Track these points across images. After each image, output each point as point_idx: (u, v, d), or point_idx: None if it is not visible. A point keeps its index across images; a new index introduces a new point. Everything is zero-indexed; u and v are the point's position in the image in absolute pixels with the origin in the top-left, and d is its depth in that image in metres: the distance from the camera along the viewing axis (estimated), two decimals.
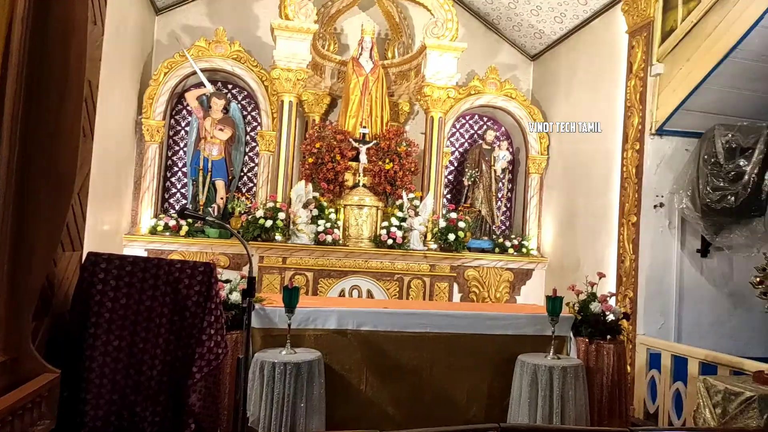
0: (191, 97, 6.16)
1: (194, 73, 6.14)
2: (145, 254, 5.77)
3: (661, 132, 4.95)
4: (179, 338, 2.52)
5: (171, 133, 6.43)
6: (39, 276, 2.12)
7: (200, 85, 6.18)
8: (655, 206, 4.98)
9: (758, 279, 3.12)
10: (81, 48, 2.16)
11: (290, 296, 3.42)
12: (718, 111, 4.73)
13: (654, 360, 4.54)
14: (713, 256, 4.98)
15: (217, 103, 6.15)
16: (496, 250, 6.56)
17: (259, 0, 6.64)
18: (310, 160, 5.99)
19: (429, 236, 6.04)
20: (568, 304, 4.12)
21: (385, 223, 5.90)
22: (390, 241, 5.80)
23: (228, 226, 3.07)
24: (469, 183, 6.69)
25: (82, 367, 2.33)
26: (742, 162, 4.60)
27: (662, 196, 4.99)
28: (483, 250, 6.56)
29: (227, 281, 3.67)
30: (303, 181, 5.84)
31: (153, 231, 5.91)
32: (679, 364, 4.22)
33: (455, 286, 6.27)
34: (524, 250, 6.57)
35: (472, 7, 7.06)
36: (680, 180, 4.92)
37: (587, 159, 5.91)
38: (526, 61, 7.28)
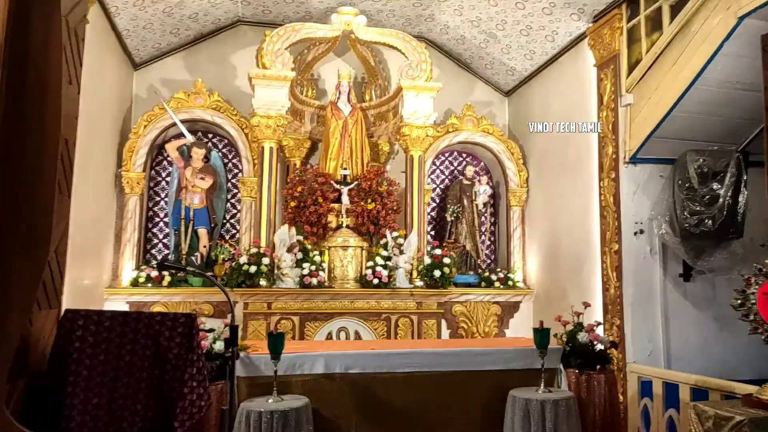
0: (171, 148, 6.21)
1: (174, 124, 6.21)
2: (126, 307, 5.70)
3: (635, 160, 5.05)
4: (160, 392, 2.48)
5: (151, 185, 6.46)
6: (14, 337, 2.09)
7: (180, 135, 6.25)
8: (635, 233, 5.05)
9: (739, 301, 3.16)
10: (56, 108, 2.20)
11: (275, 342, 3.38)
12: (689, 137, 4.86)
13: (645, 388, 4.51)
14: (696, 280, 5.03)
15: (198, 153, 6.20)
16: (483, 284, 6.56)
17: (236, 51, 6.81)
18: (293, 203, 6.02)
19: (415, 274, 6.04)
20: (555, 335, 4.11)
21: (371, 263, 5.89)
22: (376, 281, 5.78)
23: (207, 274, 3.07)
24: (452, 219, 6.74)
25: (60, 428, 2.27)
26: (715, 186, 4.71)
27: (641, 223, 5.05)
28: (469, 285, 6.56)
29: (210, 330, 3.63)
30: (286, 225, 5.84)
31: (135, 283, 5.85)
32: (671, 390, 4.19)
33: (443, 323, 6.22)
34: (510, 282, 6.57)
35: (444, 48, 7.28)
36: (657, 206, 5.00)
37: (566, 190, 6.01)
38: (501, 98, 7.47)
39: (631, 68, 5.06)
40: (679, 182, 4.87)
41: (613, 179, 5.16)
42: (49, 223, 2.24)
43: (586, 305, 4.29)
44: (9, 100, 2.10)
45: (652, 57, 4.79)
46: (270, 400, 3.30)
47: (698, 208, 4.74)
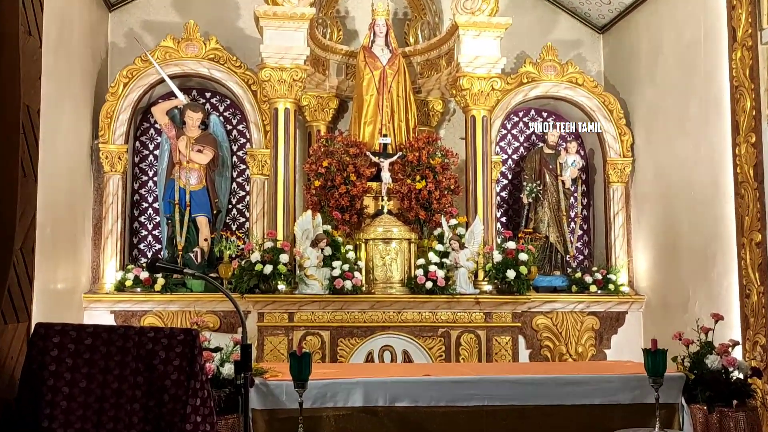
0: (159, 112, 6.33)
1: (162, 81, 6.32)
2: (111, 319, 5.91)
3: None
4: (157, 429, 2.56)
5: (136, 160, 6.62)
6: None
7: (171, 95, 6.36)
8: None
9: None
10: (13, 66, 2.26)
11: (300, 365, 3.44)
12: None
13: None
14: None
15: (193, 118, 6.31)
16: (574, 288, 6.50)
17: None
18: (317, 183, 6.07)
19: (481, 275, 6.02)
20: (675, 358, 4.05)
21: (421, 261, 5.89)
22: (429, 284, 5.78)
23: (210, 278, 3.14)
24: (530, 200, 6.68)
25: None
26: None
27: None
28: (555, 290, 6.50)
29: (217, 350, 3.71)
30: (309, 212, 5.90)
31: (120, 287, 6.03)
32: None
33: (521, 340, 6.21)
34: (611, 286, 6.48)
35: None
36: None
37: (686, 159, 5.87)
38: (594, 35, 7.30)
39: None
40: None
41: (753, 144, 5.00)
42: (12, 214, 2.33)
43: (718, 318, 4.20)
44: None
45: None
46: None
47: None
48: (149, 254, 6.49)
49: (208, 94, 6.77)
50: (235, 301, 2.89)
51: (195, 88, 6.69)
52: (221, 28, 6.66)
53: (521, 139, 7.17)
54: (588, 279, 6.49)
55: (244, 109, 6.52)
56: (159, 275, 5.94)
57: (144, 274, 6.02)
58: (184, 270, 3.09)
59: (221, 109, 6.78)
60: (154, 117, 6.43)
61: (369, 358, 5.72)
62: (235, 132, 6.77)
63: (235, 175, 6.73)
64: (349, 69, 6.77)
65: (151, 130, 6.65)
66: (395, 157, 6.15)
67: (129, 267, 6.15)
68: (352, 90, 6.63)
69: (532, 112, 7.17)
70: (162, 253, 6.31)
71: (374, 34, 6.54)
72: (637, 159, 6.69)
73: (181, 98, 6.34)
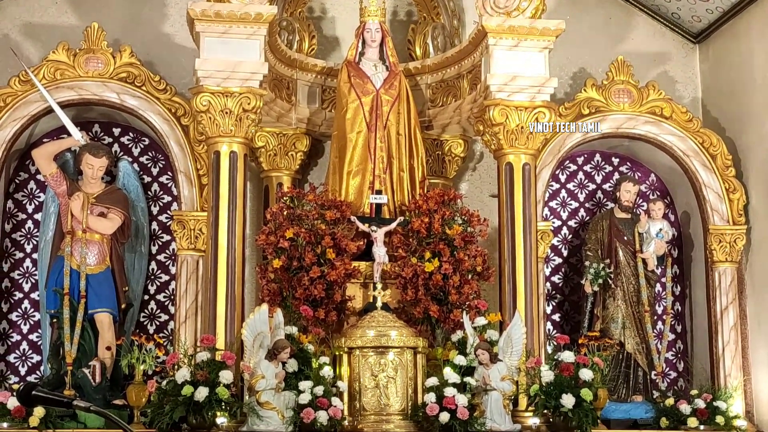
0: (44, 157, 6.38)
1: (49, 110, 6.39)
2: None
3: None
4: None
5: (7, 228, 6.66)
6: None
7: (61, 133, 6.45)
8: None
9: None
10: None
11: None
12: None
13: None
14: None
15: (94, 166, 6.35)
16: (664, 421, 6.46)
17: None
18: (277, 263, 6.08)
19: (523, 402, 6.02)
20: None
21: (433, 380, 5.86)
22: (445, 416, 5.70)
23: (111, 413, 3.07)
24: (596, 289, 6.72)
25: None
26: None
27: None
28: (636, 424, 6.51)
29: None
30: (265, 307, 5.89)
31: None
32: None
33: None
34: (720, 419, 6.42)
35: None
36: None
37: None
38: (686, 46, 7.51)
39: None
40: None
41: None
42: None
43: None
44: None
45: None
46: None
47: None
48: (22, 371, 6.45)
49: (116, 131, 6.87)
50: None
51: (98, 121, 6.80)
52: (139, 34, 6.85)
53: (581, 197, 7.28)
54: (685, 408, 6.43)
55: (171, 153, 6.59)
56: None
57: (13, 402, 5.90)
58: (74, 402, 3.01)
59: (136, 152, 6.86)
60: (36, 164, 6.48)
61: None
62: (155, 186, 6.85)
63: (154, 250, 6.78)
64: (326, 94, 6.92)
65: (31, 184, 6.73)
66: (394, 225, 6.25)
67: None
68: (331, 125, 6.74)
69: (597, 157, 7.30)
70: (42, 368, 6.26)
71: (364, 43, 6.69)
72: (754, 227, 6.78)
73: (77, 137, 6.39)
